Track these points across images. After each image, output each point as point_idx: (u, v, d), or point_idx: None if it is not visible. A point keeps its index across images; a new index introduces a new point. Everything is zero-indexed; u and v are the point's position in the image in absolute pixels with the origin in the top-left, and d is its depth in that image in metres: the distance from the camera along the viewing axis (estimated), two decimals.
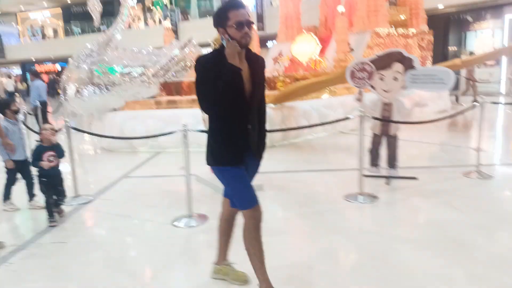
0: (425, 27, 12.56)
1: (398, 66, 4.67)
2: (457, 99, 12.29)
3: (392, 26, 11.42)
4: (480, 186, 4.59)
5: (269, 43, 17.10)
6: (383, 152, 4.97)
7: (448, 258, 2.93)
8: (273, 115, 6.77)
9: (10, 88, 23.10)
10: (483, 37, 16.31)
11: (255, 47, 12.46)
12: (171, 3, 26.38)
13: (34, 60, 31.03)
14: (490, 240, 3.23)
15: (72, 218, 4.12)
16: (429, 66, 9.58)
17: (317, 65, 10.98)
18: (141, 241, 3.53)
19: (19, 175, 4.36)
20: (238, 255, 2.75)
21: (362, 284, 2.67)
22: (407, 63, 4.63)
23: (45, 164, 3.82)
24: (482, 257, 2.94)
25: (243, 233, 2.37)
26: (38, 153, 3.85)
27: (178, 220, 3.81)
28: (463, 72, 12.12)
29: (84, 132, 5.53)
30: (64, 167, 4.23)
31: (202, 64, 2.22)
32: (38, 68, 29.20)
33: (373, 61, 4.78)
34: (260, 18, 19.54)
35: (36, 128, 5.60)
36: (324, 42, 11.82)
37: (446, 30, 17.19)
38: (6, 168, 4.24)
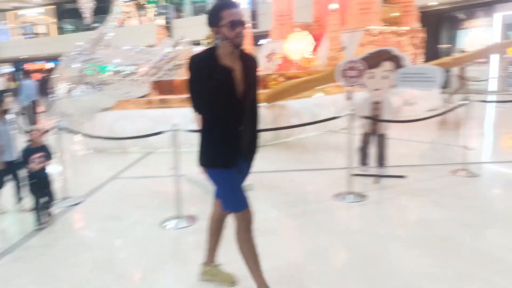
0: (417, 25, 12.60)
1: (388, 65, 4.69)
2: (449, 97, 12.35)
3: (385, 24, 11.44)
4: (467, 184, 4.64)
5: (263, 41, 17.06)
6: (372, 150, 5.00)
7: (436, 257, 2.97)
8: (265, 114, 6.77)
9: (1, 87, 22.89)
10: (473, 35, 16.40)
11: (247, 45, 12.45)
12: (165, 1, 26.24)
13: (26, 58, 30.72)
14: (477, 238, 3.26)
15: (61, 220, 4.10)
16: (419, 64, 9.61)
17: (310, 63, 10.98)
18: (130, 242, 3.53)
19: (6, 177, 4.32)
20: (227, 256, 2.76)
21: (351, 284, 2.70)
22: (397, 62, 4.65)
23: (33, 166, 3.79)
24: (469, 255, 2.98)
25: (236, 236, 2.37)
26: (27, 154, 3.82)
27: (168, 221, 3.81)
28: (456, 70, 12.17)
29: (75, 132, 5.50)
30: (54, 168, 4.21)
31: (195, 62, 2.21)
32: (30, 66, 28.95)
33: (363, 60, 4.80)
34: (254, 16, 19.47)
35: (27, 128, 5.56)
36: (316, 40, 11.82)
37: (438, 28, 17.26)
38: None
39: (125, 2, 26.71)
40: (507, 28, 15.17)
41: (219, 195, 2.52)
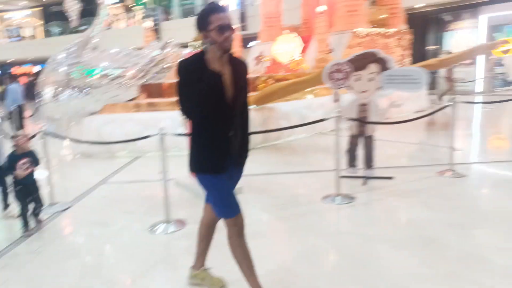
0: (404, 27, 12.74)
1: (374, 67, 4.74)
2: (438, 99, 12.48)
3: (372, 26, 11.55)
4: (454, 185, 4.70)
5: (252, 43, 17.08)
6: (360, 152, 5.04)
7: (424, 258, 3.00)
8: (254, 116, 6.76)
9: None
10: (460, 37, 16.63)
11: (237, 47, 12.47)
12: (154, 2, 26.11)
13: (12, 62, 30.29)
14: (465, 238, 3.30)
15: (49, 226, 4.05)
16: (405, 66, 9.71)
17: (298, 65, 11.02)
18: (119, 248, 3.50)
19: None
20: (216, 260, 2.76)
21: (341, 285, 2.71)
22: (383, 64, 4.70)
23: (20, 172, 3.74)
24: (457, 255, 3.01)
25: (228, 241, 2.36)
26: (12, 160, 3.76)
27: (156, 226, 3.79)
28: (443, 72, 12.32)
29: (62, 137, 5.45)
30: (41, 173, 4.15)
31: (184, 66, 2.20)
32: (16, 70, 28.55)
33: (349, 62, 4.84)
34: (243, 18, 19.49)
35: (13, 133, 5.48)
36: (305, 42, 11.88)
37: (425, 30, 17.47)
38: None
39: (113, 4, 26.59)
40: (492, 30, 15.44)
41: (209, 200, 2.51)
